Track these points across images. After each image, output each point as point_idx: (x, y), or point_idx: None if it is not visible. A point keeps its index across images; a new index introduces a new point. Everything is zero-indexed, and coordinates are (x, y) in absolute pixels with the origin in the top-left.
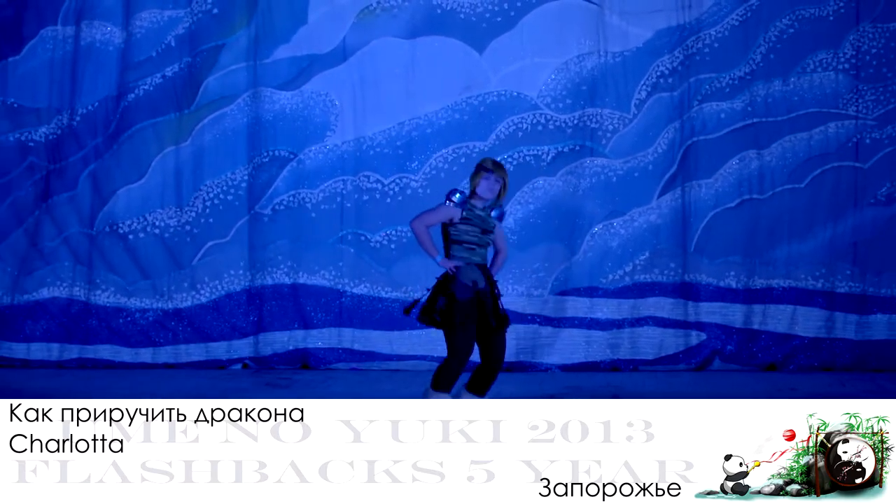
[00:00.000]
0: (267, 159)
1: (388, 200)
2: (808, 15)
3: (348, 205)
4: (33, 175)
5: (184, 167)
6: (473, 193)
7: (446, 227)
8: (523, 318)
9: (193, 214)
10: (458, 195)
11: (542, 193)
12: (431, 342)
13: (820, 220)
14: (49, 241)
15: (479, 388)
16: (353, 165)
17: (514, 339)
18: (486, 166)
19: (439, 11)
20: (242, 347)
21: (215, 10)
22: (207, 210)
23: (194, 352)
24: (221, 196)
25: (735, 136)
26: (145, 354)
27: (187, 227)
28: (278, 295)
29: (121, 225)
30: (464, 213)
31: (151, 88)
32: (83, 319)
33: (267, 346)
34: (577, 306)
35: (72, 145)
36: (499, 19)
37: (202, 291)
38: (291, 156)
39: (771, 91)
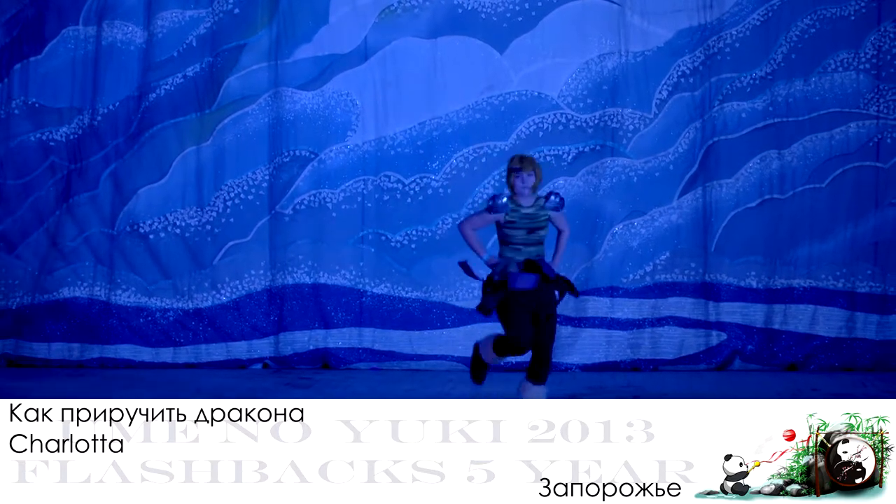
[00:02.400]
0: (288, 159)
1: (409, 200)
2: (829, 15)
3: (369, 205)
4: (54, 175)
5: (205, 167)
6: (514, 194)
7: (498, 228)
8: None
9: (214, 214)
10: (501, 200)
11: (562, 193)
12: (452, 342)
13: (841, 220)
14: (70, 241)
15: (533, 375)
16: (374, 165)
17: None
18: (514, 165)
19: (460, 11)
20: (263, 347)
21: (237, 10)
22: (228, 210)
23: (215, 351)
24: (242, 196)
25: (756, 136)
26: (166, 354)
27: (208, 227)
28: (299, 295)
29: (142, 224)
30: (507, 217)
31: (173, 88)
32: (104, 319)
33: (287, 346)
34: (597, 306)
35: (93, 145)
36: (520, 19)
37: (223, 291)
38: (312, 156)
39: (792, 91)
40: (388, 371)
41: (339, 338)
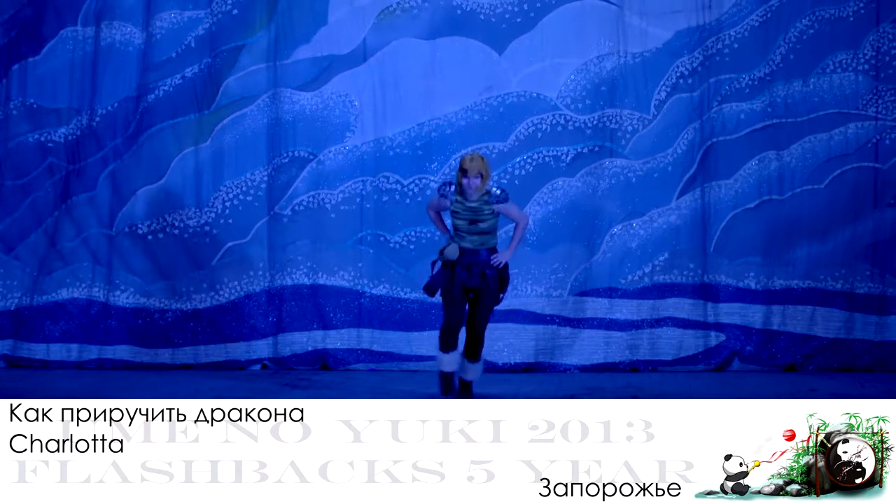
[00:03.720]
0: (287, 160)
1: (408, 201)
2: (827, 16)
3: (368, 206)
4: (53, 176)
5: (203, 168)
6: (461, 191)
7: (451, 213)
8: (542, 319)
9: (213, 215)
10: (448, 189)
11: (561, 194)
12: None
13: (839, 220)
14: (68, 242)
15: (468, 353)
16: (373, 166)
17: (534, 340)
18: (464, 166)
19: (459, 12)
20: (261, 348)
21: (235, 11)
22: (227, 211)
23: (213, 352)
24: (241, 197)
25: (755, 137)
26: (164, 355)
27: (207, 228)
28: (297, 296)
29: (140, 225)
30: (451, 207)
31: (171, 89)
32: (102, 320)
33: (286, 347)
34: (596, 307)
35: (91, 146)
36: (519, 20)
37: (221, 292)
38: (311, 156)
39: (791, 92)
40: (387, 372)
41: (338, 339)
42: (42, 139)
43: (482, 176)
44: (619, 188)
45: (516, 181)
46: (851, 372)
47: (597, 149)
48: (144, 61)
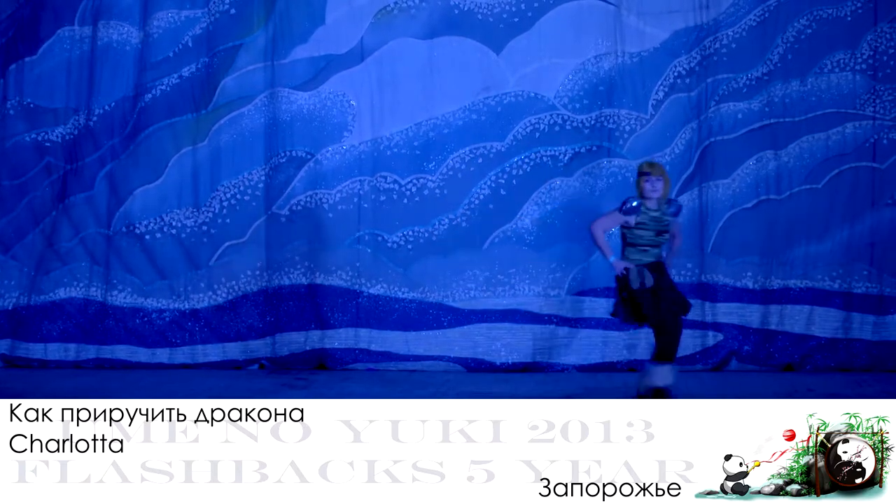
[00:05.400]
0: (284, 160)
1: (406, 201)
2: (825, 15)
3: (365, 205)
4: (50, 175)
5: (201, 168)
6: (643, 197)
7: (623, 230)
8: (540, 319)
9: (210, 215)
10: (633, 202)
11: (559, 194)
12: (448, 343)
13: (837, 220)
14: (66, 242)
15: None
16: (371, 166)
17: (531, 340)
18: (643, 170)
19: (457, 12)
20: (259, 348)
21: (233, 11)
22: (224, 210)
23: (211, 352)
24: (238, 196)
25: (752, 137)
26: (162, 355)
27: (204, 228)
28: (295, 295)
29: (137, 225)
30: (638, 218)
31: (168, 89)
32: (100, 320)
33: (284, 347)
34: (593, 307)
35: (89, 145)
36: (516, 20)
37: (219, 292)
38: (309, 156)
39: (788, 91)
40: (385, 372)
41: (336, 338)
42: (39, 139)
43: (664, 178)
44: (616, 188)
45: (514, 181)
46: (849, 372)
47: (594, 148)
48: (142, 61)
